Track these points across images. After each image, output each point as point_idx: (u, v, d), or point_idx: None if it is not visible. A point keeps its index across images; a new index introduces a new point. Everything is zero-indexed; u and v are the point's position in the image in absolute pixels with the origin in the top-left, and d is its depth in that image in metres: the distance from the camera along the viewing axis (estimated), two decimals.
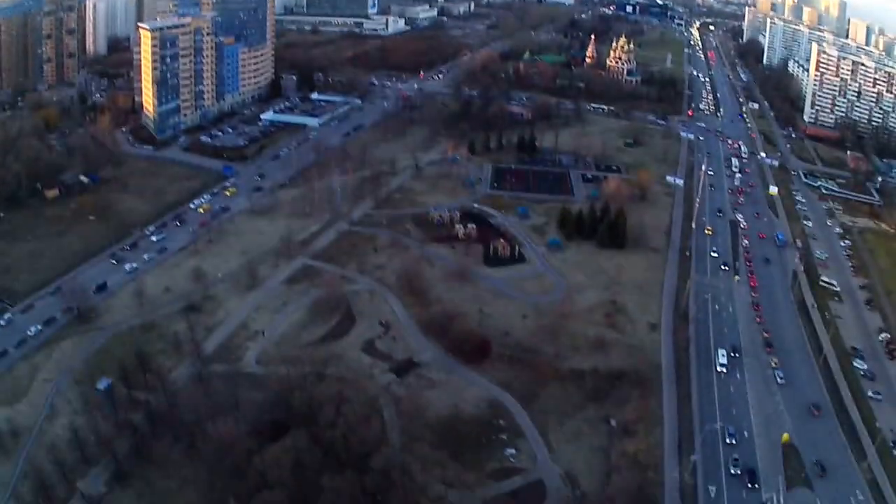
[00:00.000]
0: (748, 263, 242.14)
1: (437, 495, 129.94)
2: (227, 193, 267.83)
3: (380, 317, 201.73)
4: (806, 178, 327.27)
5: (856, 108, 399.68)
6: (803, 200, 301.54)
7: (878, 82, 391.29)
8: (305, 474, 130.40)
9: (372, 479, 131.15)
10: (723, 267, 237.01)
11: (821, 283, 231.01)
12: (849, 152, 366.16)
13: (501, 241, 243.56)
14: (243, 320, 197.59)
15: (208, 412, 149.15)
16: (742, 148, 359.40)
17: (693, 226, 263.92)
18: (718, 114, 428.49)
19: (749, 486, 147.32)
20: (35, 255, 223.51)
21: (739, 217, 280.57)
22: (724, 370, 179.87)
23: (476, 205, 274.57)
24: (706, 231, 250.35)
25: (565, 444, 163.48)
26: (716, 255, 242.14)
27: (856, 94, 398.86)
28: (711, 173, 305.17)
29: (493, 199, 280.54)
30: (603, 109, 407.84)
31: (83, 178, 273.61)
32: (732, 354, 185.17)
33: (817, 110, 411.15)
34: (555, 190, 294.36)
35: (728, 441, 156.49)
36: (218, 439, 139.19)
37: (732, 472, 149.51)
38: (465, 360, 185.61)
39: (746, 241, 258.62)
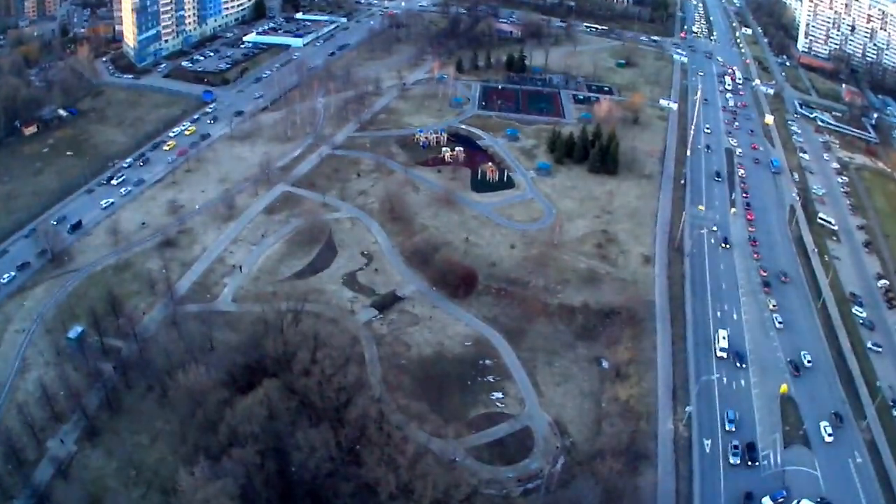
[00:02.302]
0: (745, 195, 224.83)
1: (416, 452, 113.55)
2: (187, 133, 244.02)
3: (362, 247, 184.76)
4: (801, 108, 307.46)
5: (850, 42, 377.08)
6: (799, 131, 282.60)
7: (872, 18, 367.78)
8: (278, 428, 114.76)
9: (348, 432, 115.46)
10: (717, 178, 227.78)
11: (818, 220, 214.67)
12: (844, 85, 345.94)
13: (489, 164, 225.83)
14: (220, 254, 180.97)
15: (181, 359, 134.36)
16: (736, 73, 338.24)
17: (688, 153, 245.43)
18: (711, 37, 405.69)
19: (750, 463, 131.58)
20: (11, 197, 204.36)
21: (734, 142, 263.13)
22: (725, 354, 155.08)
23: (463, 126, 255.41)
24: (699, 208, 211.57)
25: (554, 388, 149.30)
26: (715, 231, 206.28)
27: (850, 27, 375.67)
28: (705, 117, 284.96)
29: (481, 120, 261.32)
30: (594, 29, 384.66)
31: (62, 112, 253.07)
32: (740, 365, 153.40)
33: (811, 40, 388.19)
34: (545, 111, 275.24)
35: (728, 428, 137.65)
36: (189, 389, 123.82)
37: (732, 461, 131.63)
38: (451, 294, 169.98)
39: (742, 171, 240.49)
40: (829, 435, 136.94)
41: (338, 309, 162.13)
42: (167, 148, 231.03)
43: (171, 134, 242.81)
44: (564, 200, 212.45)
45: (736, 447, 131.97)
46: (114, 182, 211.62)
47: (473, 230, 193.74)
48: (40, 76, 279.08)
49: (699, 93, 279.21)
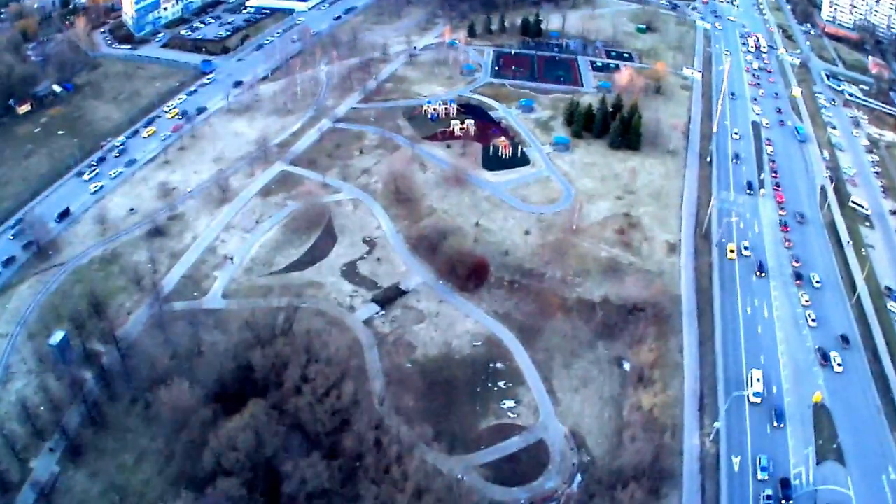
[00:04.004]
0: (774, 175, 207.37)
1: (417, 488, 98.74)
2: (169, 116, 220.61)
3: (364, 233, 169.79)
4: (828, 79, 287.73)
5: (875, 12, 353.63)
6: (827, 105, 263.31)
7: None
8: (266, 455, 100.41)
9: (342, 464, 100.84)
10: (748, 191, 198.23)
11: (851, 204, 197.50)
12: (870, 57, 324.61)
13: (502, 138, 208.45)
14: (211, 243, 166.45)
15: (166, 368, 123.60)
16: (761, 41, 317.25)
17: (714, 128, 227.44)
18: (734, 2, 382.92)
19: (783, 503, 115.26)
20: (0, 183, 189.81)
21: (758, 111, 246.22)
22: (760, 399, 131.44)
23: (475, 95, 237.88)
24: (729, 252, 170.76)
25: (572, 394, 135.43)
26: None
27: None
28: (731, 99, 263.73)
29: (493, 89, 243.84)
30: None
31: (56, 88, 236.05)
32: (778, 425, 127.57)
33: (836, 9, 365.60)
34: (562, 79, 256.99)
35: (761, 476, 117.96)
36: (172, 408, 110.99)
37: None
38: (460, 286, 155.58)
39: (770, 148, 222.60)
40: None
41: (336, 305, 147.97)
42: (146, 135, 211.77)
43: (166, 107, 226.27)
44: (583, 179, 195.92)
45: (769, 497, 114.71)
46: (122, 150, 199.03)
47: (485, 213, 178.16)
48: (37, 51, 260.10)
49: (727, 65, 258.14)
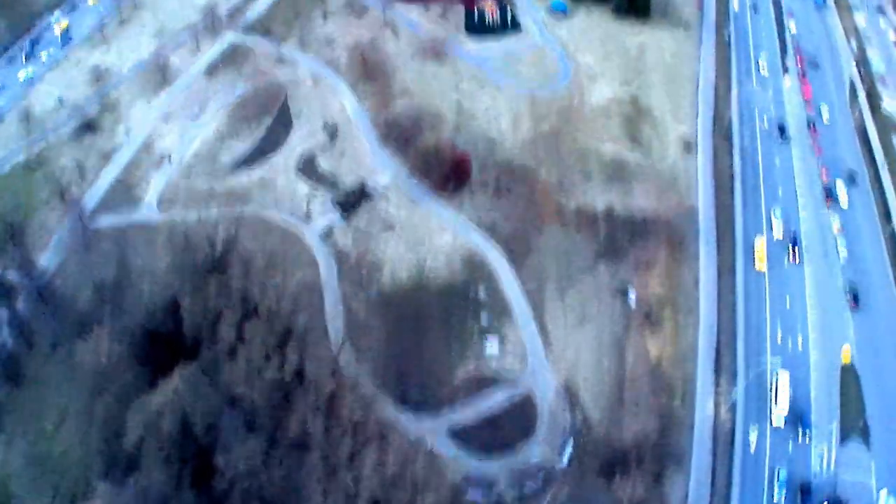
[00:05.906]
0: (798, 63, 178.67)
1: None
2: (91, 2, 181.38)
3: (325, 116, 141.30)
4: None
5: None
6: None
7: None
8: (196, 434, 76.47)
9: (283, 454, 76.90)
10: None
11: (882, 111, 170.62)
12: None
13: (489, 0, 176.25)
14: (148, 138, 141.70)
15: (88, 307, 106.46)
16: None
17: (735, 7, 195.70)
18: None
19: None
20: None
21: None
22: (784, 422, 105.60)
23: None
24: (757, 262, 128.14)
25: (566, 331, 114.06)
26: None
27: None
28: None
29: None
30: None
31: None
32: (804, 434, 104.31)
33: None
34: None
35: (778, 498, 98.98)
36: (93, 364, 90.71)
37: None
38: (436, 185, 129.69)
39: (794, 27, 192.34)
40: None
41: (289, 213, 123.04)
42: (58, 28, 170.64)
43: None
44: (584, 52, 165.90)
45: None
46: (57, 28, 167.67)
47: (468, 94, 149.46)
48: None
49: None
